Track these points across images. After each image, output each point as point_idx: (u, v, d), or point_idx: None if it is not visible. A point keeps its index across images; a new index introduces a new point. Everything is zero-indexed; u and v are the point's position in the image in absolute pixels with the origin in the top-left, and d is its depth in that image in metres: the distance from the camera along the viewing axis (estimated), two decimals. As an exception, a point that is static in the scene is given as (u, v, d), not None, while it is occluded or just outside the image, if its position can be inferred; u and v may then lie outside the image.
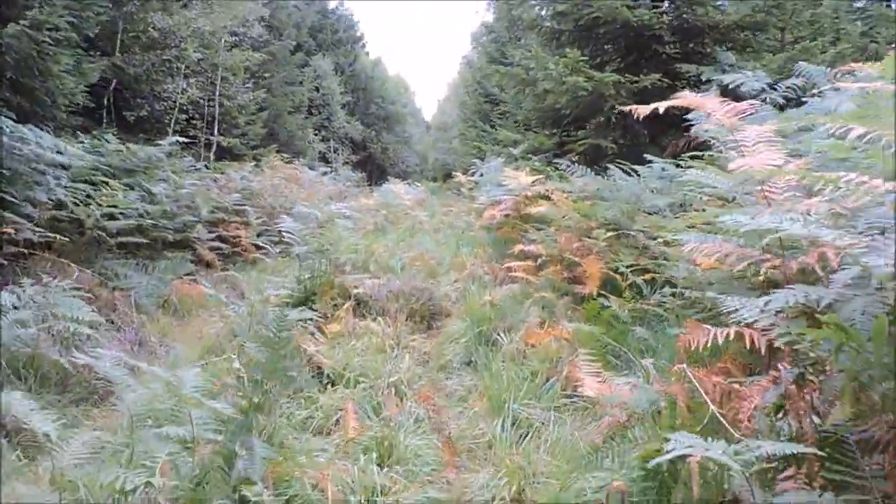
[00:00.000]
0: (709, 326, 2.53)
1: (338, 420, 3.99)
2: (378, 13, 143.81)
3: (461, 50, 43.32)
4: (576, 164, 7.24)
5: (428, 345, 5.86)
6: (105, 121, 12.21)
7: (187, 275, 9.12)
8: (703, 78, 7.63)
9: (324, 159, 29.66)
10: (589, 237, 5.62)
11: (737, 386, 2.40)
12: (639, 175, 6.13)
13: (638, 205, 5.55)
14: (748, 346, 2.53)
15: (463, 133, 25.78)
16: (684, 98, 3.41)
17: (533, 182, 7.22)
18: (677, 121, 8.29)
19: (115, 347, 6.00)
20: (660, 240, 5.16)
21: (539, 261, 6.08)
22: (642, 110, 3.30)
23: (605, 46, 9.13)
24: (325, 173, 21.83)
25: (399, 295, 6.65)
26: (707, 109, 3.23)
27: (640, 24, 7.66)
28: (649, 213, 5.77)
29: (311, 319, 5.17)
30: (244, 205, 11.58)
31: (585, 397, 3.71)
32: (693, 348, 2.52)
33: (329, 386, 4.54)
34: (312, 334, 5.77)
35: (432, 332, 6.40)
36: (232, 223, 11.17)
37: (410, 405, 4.20)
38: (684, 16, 8.02)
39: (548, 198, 7.19)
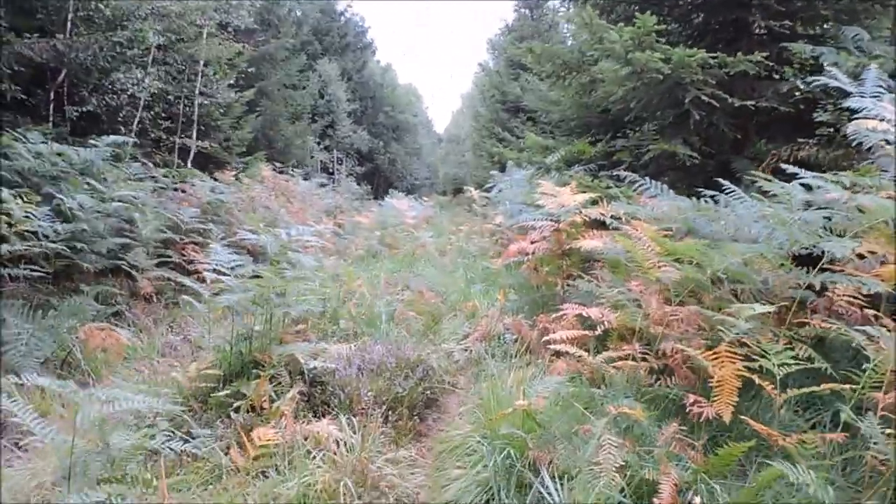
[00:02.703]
0: None
1: None
2: (389, 20, 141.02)
3: (477, 59, 40.93)
4: (647, 179, 4.95)
5: (418, 470, 3.55)
6: (52, 118, 10.07)
7: (114, 315, 6.92)
8: (823, 62, 5.31)
9: (326, 170, 27.50)
10: (693, 298, 3.33)
11: None
12: (760, 197, 3.83)
13: (782, 248, 3.24)
14: None
15: (477, 144, 23.53)
16: None
17: (584, 202, 4.93)
18: (783, 119, 6.02)
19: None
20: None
21: (600, 329, 3.77)
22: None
23: (672, 25, 6.83)
24: (322, 185, 19.61)
25: (379, 371, 4.36)
26: None
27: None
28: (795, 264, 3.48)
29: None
30: (206, 222, 9.34)
31: None
32: None
33: None
34: (227, 451, 3.49)
35: (425, 437, 4.10)
36: (188, 245, 8.94)
37: None
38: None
39: (604, 225, 4.91)
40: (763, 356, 2.77)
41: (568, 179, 6.41)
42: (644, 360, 3.37)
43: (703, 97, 5.51)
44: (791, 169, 3.64)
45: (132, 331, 6.73)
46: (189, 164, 13.69)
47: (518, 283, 5.88)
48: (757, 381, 2.70)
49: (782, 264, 3.29)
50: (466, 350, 5.59)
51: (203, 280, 6.58)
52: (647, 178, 5.05)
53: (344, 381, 4.12)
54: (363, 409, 3.92)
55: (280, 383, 4.14)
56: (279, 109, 20.47)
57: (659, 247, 3.40)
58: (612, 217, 4.60)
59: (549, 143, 7.89)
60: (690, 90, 5.57)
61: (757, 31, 6.54)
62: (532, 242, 5.18)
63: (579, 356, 3.79)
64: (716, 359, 2.71)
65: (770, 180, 3.64)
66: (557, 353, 4.10)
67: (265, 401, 3.87)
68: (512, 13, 22.70)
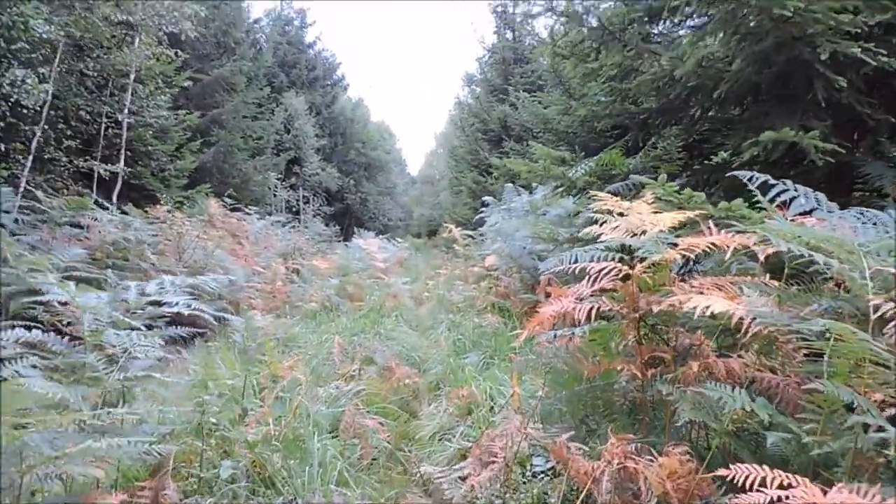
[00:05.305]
0: None
1: None
2: (361, 56, 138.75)
3: (451, 98, 38.97)
4: (787, 183, 2.73)
5: None
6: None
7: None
8: None
9: (292, 210, 25.09)
10: None
11: None
12: None
13: None
14: None
15: (455, 179, 21.40)
16: None
17: (676, 226, 2.65)
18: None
19: None
20: None
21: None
22: None
23: None
24: (283, 224, 17.13)
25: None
26: None
27: None
28: None
29: None
30: (104, 267, 6.91)
31: None
32: None
33: None
34: None
35: None
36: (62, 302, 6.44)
37: None
38: None
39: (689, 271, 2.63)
40: None
41: (656, 189, 4.19)
42: None
43: (849, 55, 3.32)
44: None
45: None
46: (115, 197, 11.30)
47: (542, 364, 3.55)
48: None
49: None
50: (464, 482, 3.24)
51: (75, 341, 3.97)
52: (784, 182, 2.83)
53: None
54: None
55: None
56: (235, 141, 18.14)
57: None
58: (755, 247, 2.32)
59: (566, 156, 5.66)
60: (823, 45, 3.37)
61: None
62: (577, 301, 2.88)
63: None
64: None
65: None
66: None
67: None
68: (492, 35, 20.99)
